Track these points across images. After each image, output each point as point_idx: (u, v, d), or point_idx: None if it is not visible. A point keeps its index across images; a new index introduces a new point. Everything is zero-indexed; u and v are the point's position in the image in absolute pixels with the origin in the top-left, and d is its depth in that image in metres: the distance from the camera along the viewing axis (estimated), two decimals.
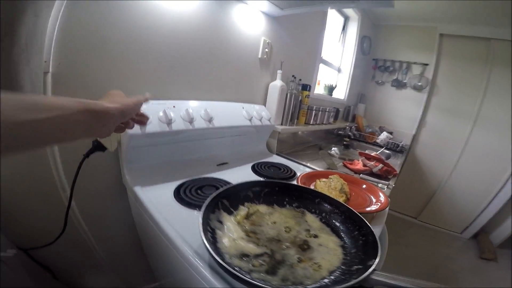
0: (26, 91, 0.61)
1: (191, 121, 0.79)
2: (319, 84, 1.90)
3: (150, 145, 0.75)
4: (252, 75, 1.17)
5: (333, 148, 1.52)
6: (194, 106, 0.84)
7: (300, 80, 1.36)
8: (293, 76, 1.28)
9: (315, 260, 0.45)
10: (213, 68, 0.98)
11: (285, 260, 0.44)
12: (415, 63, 2.20)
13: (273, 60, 1.24)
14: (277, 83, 1.21)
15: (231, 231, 0.48)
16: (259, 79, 1.21)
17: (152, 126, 0.72)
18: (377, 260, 0.40)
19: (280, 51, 1.27)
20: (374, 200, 0.77)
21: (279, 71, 1.22)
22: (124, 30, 0.73)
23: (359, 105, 2.38)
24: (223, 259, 0.38)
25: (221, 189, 0.55)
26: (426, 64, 2.15)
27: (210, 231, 0.45)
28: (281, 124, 1.28)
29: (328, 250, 0.48)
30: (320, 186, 0.77)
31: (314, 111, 1.53)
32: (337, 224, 0.56)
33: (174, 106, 0.79)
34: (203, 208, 0.46)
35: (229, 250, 0.43)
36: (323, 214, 0.59)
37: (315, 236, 0.52)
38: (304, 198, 0.62)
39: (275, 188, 0.63)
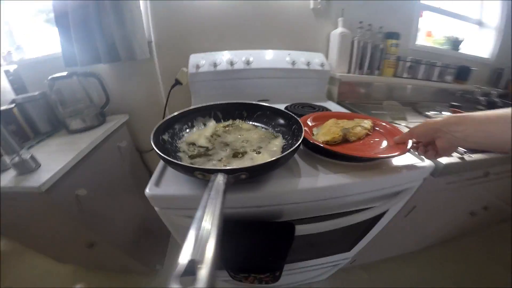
0: (138, 54, 1.03)
1: (231, 64, 0.99)
2: (430, 35, 1.46)
3: (205, 81, 1.02)
4: (306, 26, 1.16)
5: (436, 110, 1.19)
6: (239, 53, 1.03)
7: (381, 27, 1.18)
8: (360, 22, 1.13)
9: (231, 165, 0.52)
10: (264, 24, 1.12)
11: (210, 155, 0.55)
12: None
13: (334, 8, 1.14)
14: (337, 30, 1.12)
15: (205, 131, 0.65)
16: (317, 28, 1.17)
17: (204, 68, 0.99)
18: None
19: None
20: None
21: (339, 19, 1.12)
22: (194, 5, 1.04)
23: None
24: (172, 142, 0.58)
25: (217, 103, 0.71)
26: None
27: (190, 126, 0.66)
28: (348, 72, 1.18)
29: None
30: (329, 124, 0.72)
31: (409, 63, 1.26)
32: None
33: (223, 55, 1.02)
34: (184, 110, 0.66)
35: (187, 139, 0.61)
36: (290, 141, 0.60)
37: (258, 153, 0.56)
38: (287, 124, 0.65)
39: (267, 112, 0.70)
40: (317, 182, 0.52)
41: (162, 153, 0.47)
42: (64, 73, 0.96)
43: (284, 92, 1.07)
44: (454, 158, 0.71)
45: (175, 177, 0.53)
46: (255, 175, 0.49)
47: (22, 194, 0.68)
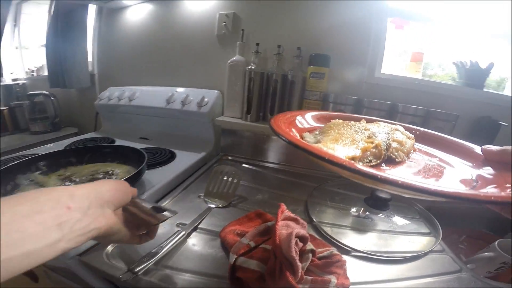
0: (75, 84, 1.33)
1: (119, 99, 1.13)
2: (418, 60, 0.95)
3: (104, 111, 1.23)
4: (210, 58, 1.08)
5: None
6: (133, 89, 1.15)
7: (298, 48, 0.89)
8: (257, 44, 0.91)
9: None
10: (172, 57, 1.16)
11: None
12: None
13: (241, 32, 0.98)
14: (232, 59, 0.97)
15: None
16: (221, 60, 1.02)
17: (103, 101, 1.18)
18: None
19: (256, 18, 0.98)
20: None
21: (237, 43, 0.96)
22: (122, 43, 1.27)
23: None
24: None
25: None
26: None
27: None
28: (241, 118, 1.00)
29: None
30: (334, 126, 0.47)
31: (338, 105, 0.88)
32: None
33: (123, 90, 1.17)
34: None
35: None
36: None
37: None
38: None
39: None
40: None
41: None
42: (35, 92, 1.38)
43: (164, 134, 1.07)
44: None
45: None
46: None
47: None
